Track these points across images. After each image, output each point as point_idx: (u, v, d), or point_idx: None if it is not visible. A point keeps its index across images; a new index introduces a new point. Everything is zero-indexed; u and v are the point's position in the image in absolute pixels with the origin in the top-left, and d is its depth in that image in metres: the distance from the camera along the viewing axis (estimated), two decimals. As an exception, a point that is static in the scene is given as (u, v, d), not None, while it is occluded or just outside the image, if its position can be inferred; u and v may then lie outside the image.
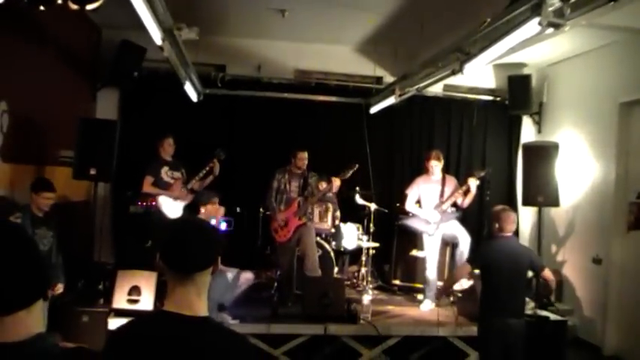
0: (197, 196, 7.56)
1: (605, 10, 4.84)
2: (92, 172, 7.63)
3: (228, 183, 8.85)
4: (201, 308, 2.29)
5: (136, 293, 6.83)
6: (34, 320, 1.73)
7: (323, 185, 8.41)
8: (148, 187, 8.34)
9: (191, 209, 8.02)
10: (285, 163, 8.44)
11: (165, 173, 8.46)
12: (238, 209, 8.96)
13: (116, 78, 9.46)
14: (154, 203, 8.36)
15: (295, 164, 8.33)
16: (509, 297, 5.83)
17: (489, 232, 6.39)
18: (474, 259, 6.17)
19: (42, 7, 4.58)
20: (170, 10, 5.85)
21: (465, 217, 8.74)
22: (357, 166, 8.23)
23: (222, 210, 7.67)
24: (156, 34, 5.95)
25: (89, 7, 4.55)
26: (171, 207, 8.35)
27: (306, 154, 8.30)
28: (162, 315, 2.29)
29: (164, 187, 8.43)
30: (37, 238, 6.00)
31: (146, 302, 6.78)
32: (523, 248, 6.35)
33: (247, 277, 7.36)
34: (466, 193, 8.18)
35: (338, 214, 9.52)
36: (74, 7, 4.52)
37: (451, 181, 8.46)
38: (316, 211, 9.16)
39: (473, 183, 8.08)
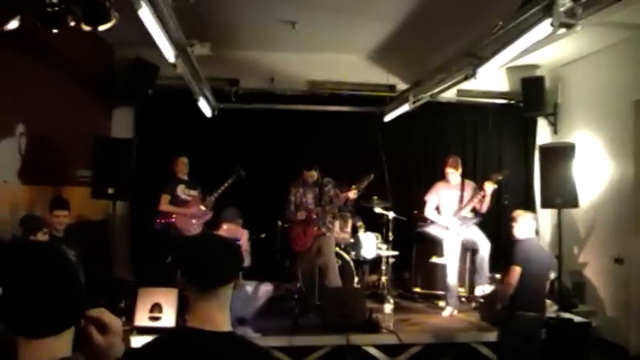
0: (222, 212, 7.55)
1: (616, 8, 4.85)
2: (110, 191, 7.67)
3: (245, 196, 8.85)
4: (224, 323, 2.30)
5: (158, 310, 6.83)
6: (62, 344, 1.72)
7: (342, 193, 8.43)
8: (165, 205, 8.36)
9: (210, 227, 8.06)
10: (298, 175, 8.46)
11: (182, 191, 8.48)
12: (263, 235, 8.94)
13: (130, 96, 9.52)
14: (172, 220, 8.38)
15: (305, 180, 8.37)
16: (539, 294, 6.13)
17: (509, 234, 6.38)
18: (514, 258, 6.17)
19: (55, 30, 4.63)
20: (182, 27, 5.88)
21: (485, 222, 8.70)
22: (372, 175, 8.25)
23: (245, 234, 7.71)
24: (168, 52, 5.98)
25: (101, 28, 4.59)
26: (190, 225, 8.37)
27: (313, 173, 8.32)
28: (186, 331, 2.29)
29: (181, 204, 8.46)
30: None
31: (168, 319, 6.78)
32: (546, 250, 6.48)
33: (266, 289, 7.36)
34: (483, 198, 8.14)
35: (360, 222, 9.52)
36: (87, 28, 4.57)
37: (470, 187, 8.43)
38: (337, 223, 9.15)
39: (488, 187, 8.04)
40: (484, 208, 8.21)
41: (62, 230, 6.52)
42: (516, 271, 6.00)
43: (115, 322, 1.90)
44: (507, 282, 6.02)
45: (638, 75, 8.28)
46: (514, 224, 6.26)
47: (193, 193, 8.56)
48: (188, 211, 8.42)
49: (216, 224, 7.28)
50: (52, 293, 1.68)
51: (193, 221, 8.41)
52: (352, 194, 8.27)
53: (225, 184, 8.46)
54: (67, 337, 1.74)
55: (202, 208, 8.47)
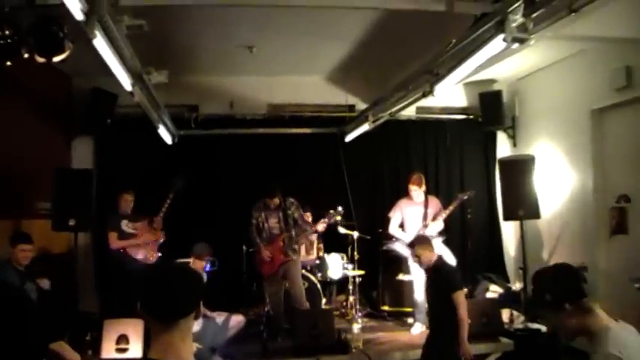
0: (192, 247, 7.46)
1: (568, 21, 4.91)
2: (71, 222, 7.58)
3: (209, 221, 8.81)
4: (187, 354, 2.28)
5: (125, 342, 6.76)
6: None
7: (308, 217, 8.42)
8: (115, 242, 8.22)
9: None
10: (260, 199, 8.42)
11: (126, 225, 8.35)
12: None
13: (90, 126, 9.43)
14: (125, 251, 8.30)
15: (267, 204, 8.35)
16: None
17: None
18: (459, 282, 6.21)
19: (8, 63, 4.59)
20: (138, 54, 5.86)
21: (449, 237, 8.76)
22: (341, 210, 8.29)
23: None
24: (125, 80, 5.96)
25: (56, 58, 4.57)
26: (146, 251, 8.27)
27: (276, 200, 8.29)
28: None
29: (128, 237, 8.34)
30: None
31: (135, 350, 6.71)
32: None
33: (238, 319, 7.32)
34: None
35: (321, 245, 9.57)
36: (41, 60, 4.53)
37: (434, 203, 8.48)
38: (303, 245, 9.15)
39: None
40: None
41: (25, 265, 6.44)
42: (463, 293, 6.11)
43: (73, 355, 1.88)
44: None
45: (594, 85, 8.41)
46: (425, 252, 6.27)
47: (138, 224, 8.43)
48: (139, 241, 8.30)
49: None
50: (12, 337, 1.66)
51: (149, 247, 8.31)
52: (321, 228, 8.31)
53: (168, 200, 8.39)
54: None
55: (154, 231, 8.36)
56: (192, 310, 2.32)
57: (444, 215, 8.35)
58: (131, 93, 6.33)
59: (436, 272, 6.25)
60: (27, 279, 6.24)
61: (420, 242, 6.37)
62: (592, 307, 2.94)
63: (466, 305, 6.00)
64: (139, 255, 8.24)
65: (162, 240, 8.39)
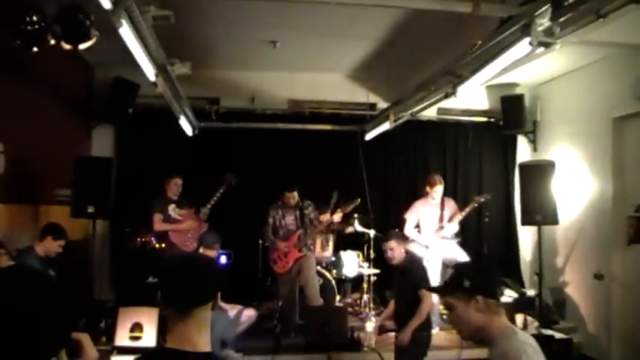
0: (201, 236, 7.49)
1: (594, 27, 4.88)
2: (90, 209, 7.60)
3: (225, 214, 8.83)
4: (202, 344, 2.29)
5: (139, 330, 6.77)
6: None
7: (325, 217, 8.41)
8: (159, 224, 8.34)
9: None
10: (280, 193, 8.45)
11: (173, 210, 8.45)
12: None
13: (110, 115, 9.47)
14: (152, 239, 8.35)
15: (285, 202, 8.35)
16: None
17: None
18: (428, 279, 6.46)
19: (35, 49, 4.62)
20: (162, 46, 5.88)
21: (465, 239, 8.73)
22: (358, 200, 8.28)
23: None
24: (149, 71, 5.98)
25: (82, 46, 4.59)
26: (186, 239, 8.32)
27: (295, 194, 8.32)
28: (165, 352, 2.28)
29: (173, 222, 8.44)
30: None
31: (149, 339, 6.72)
32: None
33: (249, 314, 7.32)
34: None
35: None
36: (67, 47, 4.56)
37: (450, 205, 8.46)
38: (318, 241, 9.17)
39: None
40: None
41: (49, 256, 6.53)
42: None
43: (91, 352, 1.89)
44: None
45: (617, 93, 8.36)
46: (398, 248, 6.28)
47: (184, 212, 8.51)
48: (183, 226, 8.39)
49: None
50: (41, 321, 1.67)
51: (189, 235, 8.36)
52: (337, 218, 8.29)
53: (218, 194, 8.44)
54: None
55: (198, 221, 8.41)
56: (208, 300, 2.33)
57: (459, 217, 8.33)
58: (154, 83, 6.34)
59: (407, 268, 6.25)
60: (48, 267, 6.29)
61: (395, 237, 6.37)
62: (500, 311, 2.91)
63: (429, 303, 6.07)
64: (178, 241, 8.31)
65: (204, 229, 8.40)
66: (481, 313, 2.87)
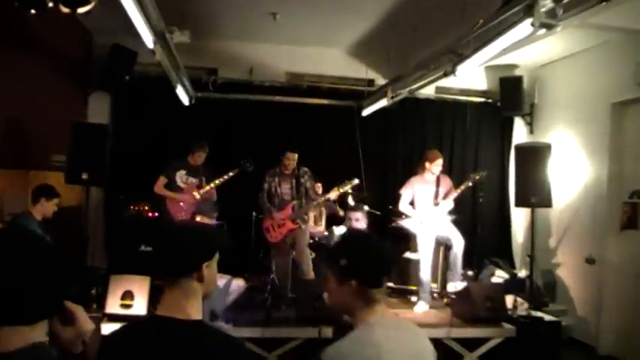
0: (202, 204, 7.48)
1: (597, 10, 4.86)
2: (84, 176, 7.57)
3: (220, 186, 8.81)
4: (192, 312, 2.29)
5: (129, 298, 6.78)
6: (35, 332, 1.71)
7: (319, 188, 8.40)
8: (160, 188, 8.37)
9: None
10: (275, 165, 8.43)
11: (180, 177, 8.44)
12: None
13: (108, 82, 9.42)
14: (146, 208, 8.34)
15: (284, 164, 8.31)
16: None
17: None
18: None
19: (33, 11, 4.56)
20: (162, 14, 5.83)
21: (459, 218, 8.74)
22: (357, 181, 8.25)
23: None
24: (148, 38, 5.93)
25: (80, 10, 4.53)
26: (178, 210, 8.32)
27: (295, 155, 8.28)
28: (154, 319, 2.29)
29: (177, 190, 8.43)
30: None
31: (139, 307, 6.73)
32: None
33: (238, 284, 7.32)
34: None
35: (338, 208, 9.57)
36: (65, 10, 4.51)
37: (446, 181, 8.44)
38: (311, 215, 9.16)
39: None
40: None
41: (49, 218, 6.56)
42: None
43: (85, 324, 1.88)
44: None
45: (616, 78, 8.35)
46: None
47: (191, 180, 8.49)
48: (178, 197, 8.37)
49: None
50: (25, 281, 1.66)
51: (182, 205, 8.35)
52: (333, 196, 8.27)
53: (226, 177, 8.39)
54: (41, 326, 1.73)
55: (196, 195, 8.38)
56: (191, 270, 2.32)
57: (455, 194, 8.32)
58: (152, 51, 6.29)
59: None
60: (46, 232, 6.30)
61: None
62: (373, 303, 2.55)
63: None
64: (172, 209, 8.35)
65: (192, 210, 8.37)
66: (351, 297, 2.55)
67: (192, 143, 8.57)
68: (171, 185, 8.41)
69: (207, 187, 8.43)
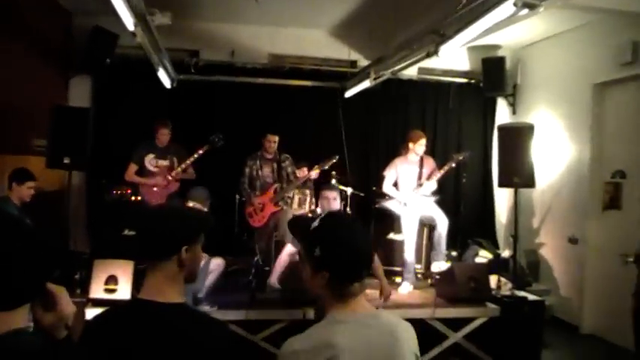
0: (190, 190, 7.42)
1: (579, -10, 4.86)
2: (66, 160, 7.52)
3: (202, 168, 8.77)
4: (173, 295, 2.30)
5: (113, 283, 6.75)
6: (16, 317, 1.68)
7: (303, 172, 8.39)
8: (130, 175, 8.30)
9: (179, 196, 7.97)
10: (258, 149, 8.40)
11: (149, 162, 8.35)
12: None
13: (88, 65, 9.33)
14: (129, 192, 8.29)
15: (265, 147, 8.30)
16: None
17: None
18: None
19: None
20: (141, -5, 5.78)
21: (443, 199, 8.76)
22: (337, 157, 8.26)
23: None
24: (128, 20, 5.87)
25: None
26: (153, 195, 8.27)
27: (276, 138, 8.29)
28: (136, 303, 2.29)
29: (147, 175, 8.37)
30: None
31: (123, 291, 6.71)
32: None
33: (217, 262, 7.25)
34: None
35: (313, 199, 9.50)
36: (44, -8, 4.45)
37: (429, 162, 8.46)
38: (296, 198, 9.14)
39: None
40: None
41: (27, 202, 6.51)
42: None
43: (67, 307, 1.86)
44: None
45: (598, 59, 8.39)
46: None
47: (162, 163, 8.41)
48: (151, 182, 8.30)
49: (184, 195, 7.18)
50: (14, 267, 1.64)
51: (155, 190, 8.28)
52: (314, 174, 8.24)
53: (196, 155, 8.30)
54: (22, 311, 1.71)
55: (169, 177, 8.32)
56: (171, 252, 2.33)
57: (438, 175, 8.33)
58: (133, 33, 6.23)
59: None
60: (27, 215, 6.26)
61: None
62: (348, 293, 2.34)
63: None
64: (146, 195, 8.30)
65: (173, 191, 8.36)
66: (324, 288, 2.37)
67: (153, 123, 8.49)
68: (143, 171, 8.36)
69: (179, 169, 8.34)
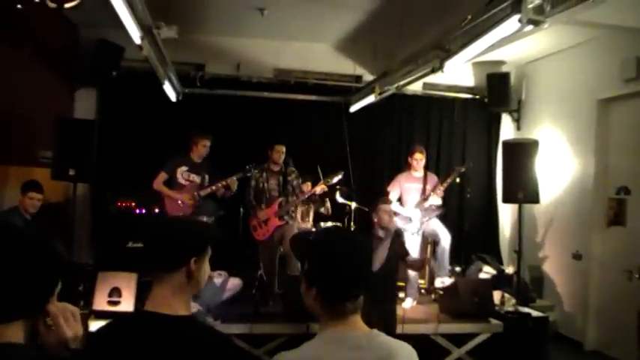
0: (201, 205, 7.40)
1: (584, 7, 4.85)
2: (71, 172, 7.53)
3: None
4: (180, 307, 2.28)
5: (117, 295, 6.76)
6: (9, 331, 1.67)
7: (308, 187, 8.39)
8: (158, 184, 8.12)
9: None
10: (263, 162, 8.41)
11: (181, 174, 8.22)
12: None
13: (94, 77, 9.37)
14: (133, 204, 8.27)
15: (272, 158, 8.30)
16: None
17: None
18: None
19: (19, 6, 4.54)
20: (149, 9, 5.80)
21: (446, 214, 8.76)
22: (342, 173, 8.27)
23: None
24: (135, 33, 5.90)
25: (67, 5, 4.51)
26: (177, 209, 8.15)
27: (283, 148, 8.28)
28: (142, 315, 2.28)
29: (176, 187, 8.22)
30: None
31: (127, 304, 6.72)
32: None
33: (236, 282, 7.29)
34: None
35: (328, 205, 9.46)
36: (52, 5, 4.49)
37: (432, 179, 8.48)
38: (299, 210, 9.13)
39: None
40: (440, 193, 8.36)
41: (33, 213, 6.51)
42: None
43: (65, 328, 1.84)
44: None
45: (602, 74, 8.39)
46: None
47: (193, 177, 8.29)
48: (177, 196, 8.14)
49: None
50: (10, 281, 1.64)
51: (180, 204, 8.14)
52: (319, 190, 8.25)
53: (229, 180, 8.16)
54: (17, 326, 1.70)
55: (196, 196, 8.16)
56: (177, 265, 2.31)
57: (442, 188, 8.34)
58: (139, 46, 6.26)
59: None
60: (32, 227, 6.28)
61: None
62: (338, 311, 2.23)
63: None
64: (170, 208, 8.13)
65: (191, 211, 8.14)
66: (315, 304, 2.26)
67: (192, 134, 8.40)
68: (172, 182, 8.21)
69: (209, 190, 8.20)
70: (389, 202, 6.86)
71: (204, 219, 6.77)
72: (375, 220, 6.52)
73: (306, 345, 2.22)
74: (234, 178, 8.19)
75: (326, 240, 2.41)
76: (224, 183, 8.17)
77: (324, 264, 2.26)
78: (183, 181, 8.24)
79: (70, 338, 1.83)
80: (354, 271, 2.25)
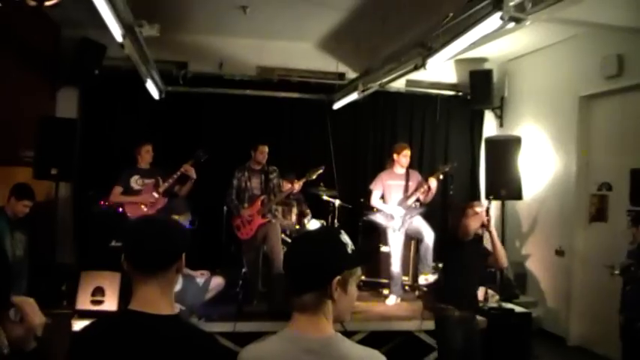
0: (172, 202, 7.39)
1: (565, 4, 4.89)
2: (53, 171, 7.50)
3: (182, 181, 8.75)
4: (166, 306, 2.27)
5: (100, 294, 6.74)
6: None
7: (287, 186, 8.38)
8: (115, 196, 8.06)
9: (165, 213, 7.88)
10: (246, 161, 8.39)
11: (135, 182, 8.17)
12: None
13: (76, 76, 9.31)
14: (120, 210, 8.24)
15: (255, 158, 8.26)
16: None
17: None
18: None
19: (-1, 4, 4.50)
20: (130, 7, 5.78)
21: (430, 211, 8.76)
22: (323, 167, 8.25)
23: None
24: (116, 31, 5.87)
25: (48, 3, 4.48)
26: (140, 212, 8.11)
27: (266, 149, 8.24)
28: (127, 314, 2.26)
29: (134, 194, 8.18)
30: (14, 242, 6.07)
31: (110, 303, 6.70)
32: None
33: (218, 282, 7.26)
34: (427, 191, 8.22)
35: (307, 210, 9.47)
36: (32, 3, 4.45)
37: (415, 176, 8.49)
38: (280, 209, 9.12)
39: (433, 183, 8.13)
40: (428, 199, 8.29)
41: (21, 218, 6.49)
42: None
43: (33, 317, 1.84)
44: None
45: (584, 72, 8.45)
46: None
47: (147, 181, 8.24)
48: (137, 199, 8.11)
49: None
50: None
51: (144, 208, 8.15)
52: (297, 187, 8.24)
53: (178, 172, 8.13)
54: None
55: (154, 195, 8.21)
56: (171, 262, 2.30)
57: (424, 187, 8.35)
58: (121, 45, 6.22)
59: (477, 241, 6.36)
60: (17, 228, 6.26)
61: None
62: (298, 305, 2.22)
63: None
64: (131, 213, 8.03)
65: (160, 207, 8.11)
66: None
67: (134, 145, 8.36)
68: (129, 192, 8.16)
69: (165, 185, 8.17)
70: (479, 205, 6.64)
71: (176, 217, 6.73)
72: (463, 226, 6.25)
73: (269, 339, 2.23)
74: (188, 164, 8.15)
75: (297, 237, 2.53)
76: (179, 173, 8.15)
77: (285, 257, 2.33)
78: (137, 187, 8.20)
79: (38, 325, 1.84)
80: (296, 266, 2.23)
